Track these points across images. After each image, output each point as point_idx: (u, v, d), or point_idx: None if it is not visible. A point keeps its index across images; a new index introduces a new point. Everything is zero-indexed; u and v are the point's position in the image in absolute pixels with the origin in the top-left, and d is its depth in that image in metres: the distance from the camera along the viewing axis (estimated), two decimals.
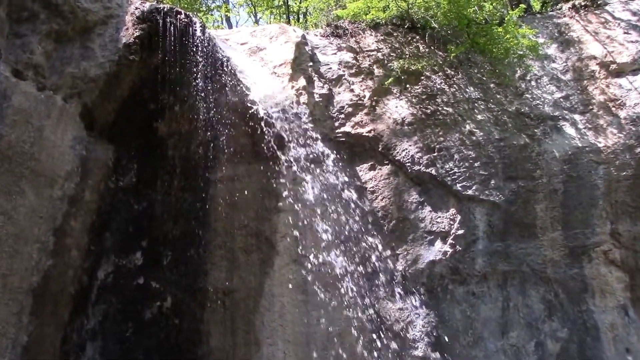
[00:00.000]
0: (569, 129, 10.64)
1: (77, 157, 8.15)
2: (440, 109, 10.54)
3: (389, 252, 9.42)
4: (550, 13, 13.24)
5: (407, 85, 10.80)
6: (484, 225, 9.73)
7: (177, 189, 9.29)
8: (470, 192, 9.80)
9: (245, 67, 9.94)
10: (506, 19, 11.49)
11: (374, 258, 9.28)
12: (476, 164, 9.99)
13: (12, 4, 7.42)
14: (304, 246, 9.14)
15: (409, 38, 11.88)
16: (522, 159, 10.17)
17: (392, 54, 11.34)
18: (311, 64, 10.82)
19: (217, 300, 8.93)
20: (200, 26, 9.29)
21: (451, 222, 9.64)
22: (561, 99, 11.10)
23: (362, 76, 10.94)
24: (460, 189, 9.80)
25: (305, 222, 9.24)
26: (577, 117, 10.87)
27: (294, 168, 9.31)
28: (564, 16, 12.81)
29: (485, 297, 9.50)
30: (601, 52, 11.64)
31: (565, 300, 9.69)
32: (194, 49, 9.03)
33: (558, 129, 10.61)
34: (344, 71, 10.93)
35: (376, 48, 11.51)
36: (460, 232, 9.57)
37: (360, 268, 9.15)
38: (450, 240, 9.53)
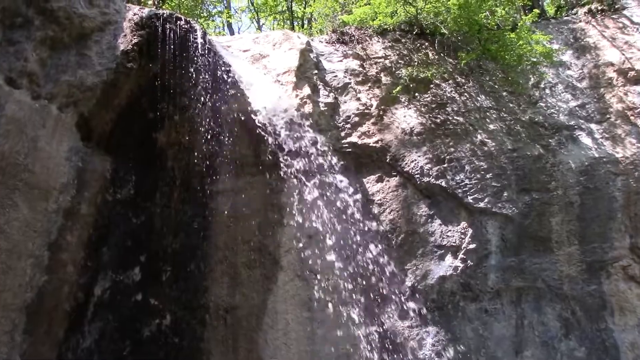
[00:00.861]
0: (585, 139, 10.61)
1: (73, 168, 8.10)
2: (450, 118, 10.52)
3: (397, 268, 9.37)
4: (565, 18, 13.22)
5: (416, 94, 10.79)
6: (497, 239, 9.68)
7: (177, 202, 9.24)
8: (482, 204, 9.76)
9: (247, 75, 9.92)
10: (519, 24, 11.46)
11: (381, 273, 9.20)
12: (488, 176, 9.95)
13: (5, 10, 7.36)
14: (309, 261, 9.10)
15: (418, 45, 11.87)
16: (536, 170, 10.13)
17: (400, 61, 11.33)
18: (316, 71, 10.80)
19: (218, 318, 8.88)
20: (201, 33, 9.27)
21: (462, 236, 9.60)
22: (577, 108, 11.08)
23: (369, 84, 10.93)
24: (471, 201, 9.77)
25: (310, 236, 9.21)
26: (593, 126, 10.84)
27: (299, 180, 9.26)
28: (580, 21, 12.80)
29: (499, 315, 9.43)
30: (619, 59, 11.61)
31: (582, 318, 9.60)
32: (195, 57, 9.00)
33: (574, 139, 10.58)
34: (350, 79, 10.92)
35: (384, 55, 11.50)
36: (472, 246, 9.52)
37: (368, 283, 9.09)
38: (461, 255, 9.50)
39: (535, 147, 10.33)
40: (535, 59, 11.17)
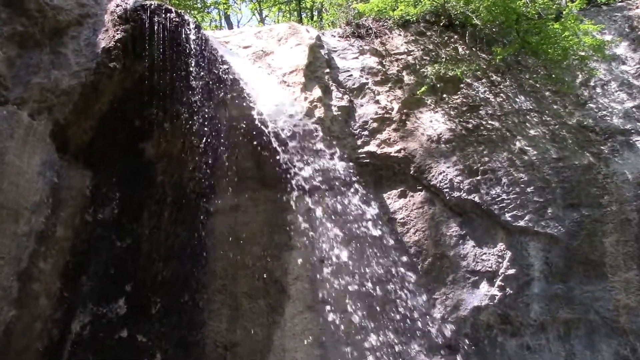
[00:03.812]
0: None
1: (47, 185, 8.06)
2: (484, 122, 10.47)
3: (424, 297, 9.28)
4: (620, 4, 13.08)
5: (444, 95, 10.77)
6: (540, 263, 9.55)
7: (167, 223, 9.23)
8: (522, 223, 9.66)
9: (248, 75, 9.93)
10: (564, 12, 11.35)
11: (405, 304, 9.13)
12: (529, 189, 9.86)
13: None
14: (320, 290, 9.05)
15: (446, 38, 11.86)
16: (586, 182, 10.00)
17: (425, 58, 11.31)
18: (328, 70, 10.82)
19: (216, 356, 8.85)
20: (195, 26, 9.29)
21: (500, 260, 9.50)
22: (634, 109, 10.94)
23: (390, 85, 10.92)
24: (510, 219, 9.67)
25: (322, 261, 9.16)
26: None
27: (309, 196, 9.23)
28: (637, 7, 12.68)
29: (544, 352, 9.27)
30: None
31: None
32: (188, 54, 9.00)
33: (630, 145, 10.43)
34: (367, 79, 10.91)
35: (406, 50, 11.48)
36: (511, 271, 9.41)
37: (389, 316, 9.03)
38: (498, 282, 9.39)
39: (585, 155, 10.22)
40: (583, 53, 11.04)
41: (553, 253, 9.61)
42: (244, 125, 9.28)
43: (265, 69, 10.66)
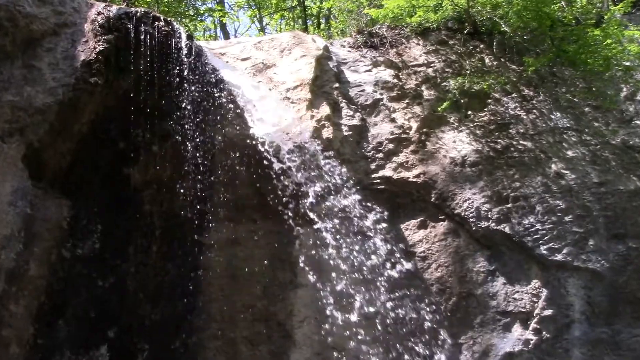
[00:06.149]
0: None
1: (19, 216, 8.00)
2: (514, 143, 10.43)
3: (448, 341, 9.20)
4: None
5: (469, 112, 10.75)
6: (582, 303, 9.43)
7: (156, 258, 9.18)
8: (559, 257, 9.56)
9: (247, 91, 9.93)
10: (606, 17, 11.34)
11: (427, 350, 9.03)
12: (567, 218, 9.77)
13: None
14: (330, 334, 8.95)
15: (470, 47, 11.85)
16: (632, 209, 9.91)
17: (447, 70, 11.31)
18: (337, 85, 10.81)
19: None
20: (187, 36, 9.33)
21: (534, 299, 9.40)
22: None
23: (407, 101, 10.91)
24: (545, 252, 9.58)
25: (333, 302, 9.06)
26: None
27: (316, 227, 9.18)
28: None
29: None
30: None
31: None
32: (178, 68, 9.02)
33: None
34: (381, 94, 10.90)
35: (425, 62, 11.48)
36: (548, 312, 9.30)
37: None
38: (533, 324, 9.28)
39: (631, 179, 10.15)
40: (628, 63, 11.02)
41: (596, 291, 9.49)
42: (242, 148, 9.28)
43: (267, 84, 10.65)
